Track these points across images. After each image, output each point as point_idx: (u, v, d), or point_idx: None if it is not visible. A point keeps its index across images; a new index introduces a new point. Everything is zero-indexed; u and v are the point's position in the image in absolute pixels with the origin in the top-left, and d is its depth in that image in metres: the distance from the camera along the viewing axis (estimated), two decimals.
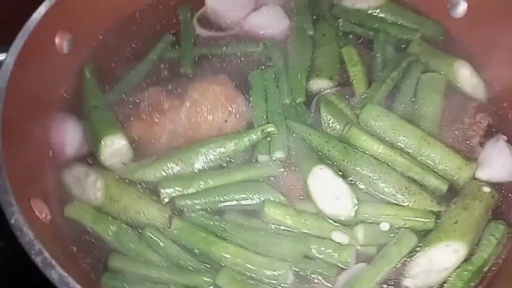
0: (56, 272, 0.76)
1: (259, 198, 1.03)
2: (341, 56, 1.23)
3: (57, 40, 1.10)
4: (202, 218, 1.01)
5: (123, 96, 1.15)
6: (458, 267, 0.95)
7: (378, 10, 1.30)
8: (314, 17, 1.30)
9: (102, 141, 1.04)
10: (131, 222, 1.01)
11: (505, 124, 1.15)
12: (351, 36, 1.28)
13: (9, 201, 0.82)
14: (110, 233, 0.99)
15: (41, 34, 1.03)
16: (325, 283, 0.95)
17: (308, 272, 0.96)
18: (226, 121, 1.13)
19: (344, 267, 0.97)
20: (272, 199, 1.03)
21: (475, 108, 1.14)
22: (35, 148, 1.02)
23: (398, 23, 1.29)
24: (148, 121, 1.10)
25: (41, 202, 0.95)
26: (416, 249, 0.98)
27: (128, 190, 1.03)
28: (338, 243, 0.97)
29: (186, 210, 1.02)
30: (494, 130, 1.13)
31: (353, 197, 1.00)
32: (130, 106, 1.13)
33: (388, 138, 1.08)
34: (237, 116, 1.14)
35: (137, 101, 1.13)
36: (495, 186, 1.06)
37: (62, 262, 0.78)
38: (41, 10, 1.04)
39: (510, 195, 1.07)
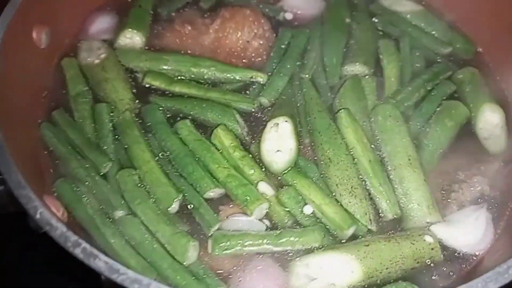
0: (101, 261, 0.69)
1: (219, 119, 1.05)
2: (375, 48, 1.20)
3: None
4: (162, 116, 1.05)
5: (165, 13, 1.24)
6: None
7: (414, 16, 1.27)
8: (350, 8, 1.29)
9: (124, 31, 1.15)
10: (102, 95, 1.07)
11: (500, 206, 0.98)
12: (381, 34, 1.25)
13: (28, 196, 0.75)
14: (74, 91, 1.07)
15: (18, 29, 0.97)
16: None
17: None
18: (248, 41, 1.17)
19: (246, 214, 0.93)
20: (229, 125, 1.03)
21: (478, 168, 0.98)
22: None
23: (431, 33, 1.25)
24: (180, 31, 1.19)
25: (55, 199, 0.91)
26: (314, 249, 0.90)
27: (119, 69, 1.11)
28: (260, 192, 0.94)
29: (153, 102, 1.07)
30: (482, 201, 0.98)
31: (293, 158, 0.98)
32: (167, 20, 1.23)
33: (379, 141, 1.03)
34: (261, 41, 1.18)
35: (172, 14, 1.24)
36: (445, 248, 0.92)
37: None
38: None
39: (454, 264, 0.92)
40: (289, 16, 1.26)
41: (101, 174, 0.96)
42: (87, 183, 0.93)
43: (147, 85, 1.10)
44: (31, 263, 1.13)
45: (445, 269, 0.90)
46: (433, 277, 0.89)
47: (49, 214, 0.73)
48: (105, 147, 0.99)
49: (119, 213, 0.91)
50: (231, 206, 0.95)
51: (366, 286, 0.87)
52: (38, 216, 0.73)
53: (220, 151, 1.00)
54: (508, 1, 1.13)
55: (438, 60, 1.20)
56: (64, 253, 0.70)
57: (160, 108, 1.06)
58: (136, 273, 0.66)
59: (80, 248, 0.69)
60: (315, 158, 1.02)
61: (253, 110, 1.08)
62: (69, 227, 0.72)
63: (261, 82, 1.11)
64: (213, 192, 0.95)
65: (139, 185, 0.94)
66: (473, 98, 1.11)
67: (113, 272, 0.66)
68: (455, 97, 1.13)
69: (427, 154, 1.02)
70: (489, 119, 1.07)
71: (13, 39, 0.93)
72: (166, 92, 1.10)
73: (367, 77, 1.13)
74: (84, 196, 0.92)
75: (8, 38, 0.91)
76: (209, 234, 0.91)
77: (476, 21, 1.22)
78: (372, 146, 1.01)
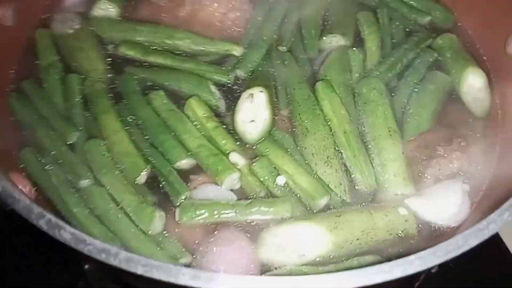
0: (66, 232, 0.64)
1: (193, 90, 1.03)
2: (354, 20, 1.17)
3: None
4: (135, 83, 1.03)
5: None
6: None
7: None
8: None
9: (99, 2, 1.14)
10: (75, 65, 1.05)
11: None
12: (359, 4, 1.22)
13: None
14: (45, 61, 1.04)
15: None
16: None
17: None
18: (225, 13, 1.14)
19: (216, 183, 0.91)
20: (203, 96, 1.01)
21: (458, 143, 0.95)
22: None
23: (409, 3, 1.21)
24: (155, 3, 1.17)
25: (22, 177, 0.89)
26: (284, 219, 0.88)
27: (93, 40, 1.09)
28: (232, 162, 0.92)
29: (128, 72, 1.05)
30: (459, 175, 0.95)
31: (267, 129, 0.96)
32: None
33: (361, 112, 1.01)
34: (238, 13, 1.15)
35: None
36: (420, 221, 0.89)
37: None
38: None
39: (428, 236, 0.89)
40: None
41: (68, 144, 0.94)
42: (53, 152, 0.91)
43: (121, 55, 1.07)
44: (31, 263, 1.11)
45: (419, 241, 0.88)
46: (406, 249, 0.86)
47: (11, 187, 0.69)
48: (74, 118, 0.97)
49: (85, 182, 0.89)
50: (201, 176, 0.93)
51: (336, 257, 0.84)
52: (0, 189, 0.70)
53: (193, 121, 0.97)
54: None
55: (418, 30, 1.17)
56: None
57: (134, 78, 1.04)
58: (103, 243, 0.62)
59: (44, 220, 0.65)
60: (292, 130, 1.00)
61: (228, 81, 1.05)
62: (34, 201, 0.68)
63: (237, 55, 1.08)
64: (185, 162, 0.93)
65: (106, 155, 0.92)
66: (455, 63, 1.09)
67: (79, 242, 0.63)
68: (437, 65, 1.10)
69: (410, 124, 1.00)
70: (472, 83, 1.06)
71: None
72: (141, 63, 1.07)
73: (354, 49, 1.10)
74: (49, 166, 0.90)
75: None
76: (177, 204, 0.88)
77: None
78: (351, 118, 0.98)
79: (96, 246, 0.59)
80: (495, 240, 1.11)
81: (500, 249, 1.12)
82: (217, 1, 1.13)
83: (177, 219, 0.87)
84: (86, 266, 1.04)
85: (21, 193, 0.66)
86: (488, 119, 1.05)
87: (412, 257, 0.60)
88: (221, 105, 1.03)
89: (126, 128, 0.96)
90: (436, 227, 0.90)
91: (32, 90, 1.00)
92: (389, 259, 0.66)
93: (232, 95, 1.05)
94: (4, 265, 1.09)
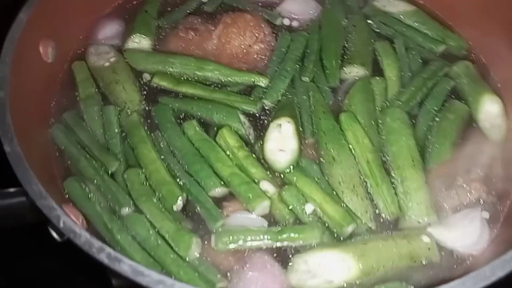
0: (126, 264, 0.69)
1: (224, 120, 1.08)
2: (373, 49, 1.22)
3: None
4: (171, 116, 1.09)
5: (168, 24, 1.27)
6: None
7: (407, 16, 1.29)
8: (345, 11, 1.31)
9: (132, 35, 1.20)
10: (112, 96, 1.11)
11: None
12: (377, 35, 1.28)
13: (51, 206, 0.76)
14: (84, 93, 1.11)
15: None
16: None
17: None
18: (250, 46, 1.21)
19: (248, 210, 0.96)
20: (233, 126, 1.07)
21: (477, 173, 1.00)
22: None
23: (424, 32, 1.27)
24: (184, 38, 1.23)
25: (74, 208, 0.94)
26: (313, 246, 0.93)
27: (128, 72, 1.15)
28: (262, 191, 0.97)
29: (162, 103, 1.11)
30: (478, 204, 0.99)
31: (295, 158, 1.01)
32: (170, 26, 1.26)
33: (385, 141, 1.06)
34: (262, 45, 1.21)
35: (174, 22, 1.27)
36: (442, 249, 0.94)
37: None
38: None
39: (450, 264, 0.93)
40: (286, 21, 1.28)
41: (110, 173, 0.99)
42: (95, 181, 0.97)
43: (155, 86, 1.14)
44: (51, 274, 1.18)
45: (441, 268, 0.92)
46: (430, 276, 0.91)
47: (71, 222, 0.74)
48: (113, 147, 1.03)
49: (126, 210, 0.94)
50: (233, 203, 0.98)
51: (363, 283, 0.89)
52: (61, 225, 0.74)
53: (225, 150, 1.03)
54: None
55: (433, 59, 1.21)
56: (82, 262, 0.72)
57: (169, 108, 1.10)
58: (159, 274, 0.67)
59: (104, 253, 0.70)
60: (318, 158, 1.04)
61: (256, 111, 1.10)
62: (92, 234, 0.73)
63: (263, 85, 1.14)
64: (218, 191, 0.99)
65: (145, 183, 0.97)
66: (472, 90, 1.14)
67: (137, 274, 0.68)
68: (454, 93, 1.15)
69: (432, 154, 1.04)
70: (489, 109, 1.10)
71: (21, 57, 0.96)
72: (174, 93, 1.13)
73: (377, 78, 1.15)
74: (92, 194, 0.96)
75: (16, 56, 0.94)
76: (214, 230, 0.94)
77: (466, 18, 1.24)
78: (374, 147, 1.02)
79: (153, 278, 0.65)
80: None
81: None
82: (243, 35, 1.19)
83: (213, 245, 0.92)
84: (114, 281, 1.10)
85: (81, 228, 0.71)
86: (505, 146, 1.09)
87: (443, 286, 0.65)
88: (250, 134, 1.08)
89: (162, 157, 1.02)
90: (458, 255, 0.94)
91: (73, 121, 1.06)
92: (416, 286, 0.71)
93: (259, 124, 1.10)
94: (33, 277, 1.15)
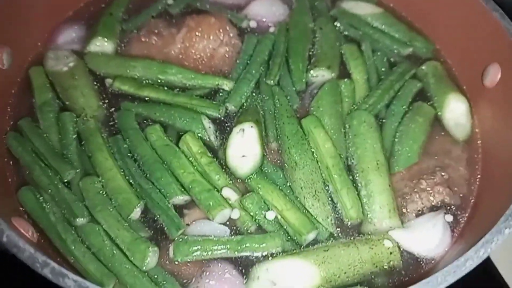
0: (70, 279, 0.68)
1: (187, 125, 1.06)
2: (339, 52, 1.21)
3: None
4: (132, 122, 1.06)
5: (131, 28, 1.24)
6: None
7: (374, 18, 1.28)
8: (313, 14, 1.30)
9: (95, 38, 1.17)
10: (70, 102, 1.08)
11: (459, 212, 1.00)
12: (344, 37, 1.27)
13: None
14: (40, 100, 1.07)
15: None
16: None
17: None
18: (215, 49, 1.18)
19: (209, 218, 0.94)
20: (197, 132, 1.05)
21: (441, 176, 1.00)
22: None
23: (391, 34, 1.26)
24: (147, 42, 1.20)
25: (24, 221, 0.91)
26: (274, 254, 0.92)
27: (87, 77, 1.13)
28: (224, 198, 0.96)
29: (124, 108, 1.08)
30: (440, 207, 0.99)
31: (258, 164, 0.99)
32: (133, 31, 1.23)
33: (350, 144, 1.05)
34: (227, 48, 1.19)
35: (136, 25, 1.24)
36: (404, 253, 0.93)
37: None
38: None
39: (412, 268, 0.93)
40: (253, 24, 1.26)
41: (65, 182, 0.97)
42: (50, 190, 0.94)
43: (116, 91, 1.11)
44: None
45: (403, 272, 0.91)
46: (391, 280, 0.90)
47: (16, 236, 0.72)
48: (70, 155, 1.00)
49: (80, 220, 0.91)
50: (194, 211, 0.96)
51: None
52: (4, 239, 0.72)
53: (188, 157, 1.01)
54: None
55: (400, 61, 1.21)
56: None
57: (131, 113, 1.07)
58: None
59: (48, 268, 0.68)
60: (281, 163, 1.03)
61: (219, 115, 1.08)
62: (38, 247, 0.71)
63: (227, 89, 1.12)
64: (179, 199, 0.96)
65: (101, 192, 0.95)
66: (438, 89, 1.14)
67: None
68: (420, 95, 1.15)
69: (399, 157, 1.04)
70: (454, 107, 1.11)
71: None
72: (137, 98, 1.10)
73: (345, 80, 1.14)
74: (47, 203, 0.93)
75: None
76: (175, 238, 0.91)
77: (432, 19, 1.24)
78: (338, 152, 1.01)
79: None
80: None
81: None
82: (207, 38, 1.17)
83: (171, 256, 0.90)
84: None
85: (25, 242, 0.69)
86: (469, 146, 1.10)
87: None
88: (215, 139, 1.06)
89: (120, 163, 0.99)
90: (420, 259, 0.93)
91: (29, 128, 1.03)
92: None
93: (224, 129, 1.08)
94: None
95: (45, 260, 0.67)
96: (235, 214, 0.95)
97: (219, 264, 0.90)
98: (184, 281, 0.89)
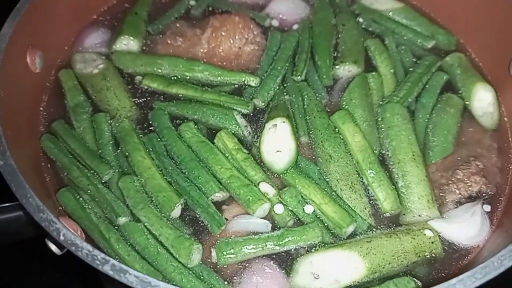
0: (131, 275, 0.67)
1: (220, 122, 1.07)
2: (363, 47, 1.22)
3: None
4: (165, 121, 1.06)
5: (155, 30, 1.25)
6: None
7: (395, 13, 1.30)
8: (333, 10, 1.31)
9: (121, 37, 1.17)
10: (102, 104, 1.08)
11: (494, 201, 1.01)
12: (367, 32, 1.28)
13: (49, 219, 0.74)
14: (73, 102, 1.08)
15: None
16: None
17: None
18: (240, 48, 1.19)
19: (249, 212, 0.94)
20: (231, 128, 1.06)
21: (476, 166, 1.00)
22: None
23: (413, 28, 1.28)
24: (172, 45, 1.21)
25: (71, 220, 0.91)
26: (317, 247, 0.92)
27: (118, 78, 1.13)
28: (262, 192, 0.96)
29: (157, 108, 1.09)
30: (477, 197, 1.00)
31: (293, 158, 0.99)
32: (158, 33, 1.24)
33: (384, 136, 1.06)
34: (253, 46, 1.20)
35: (160, 27, 1.25)
36: (444, 242, 0.94)
37: None
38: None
39: (454, 256, 0.93)
40: (275, 22, 1.27)
41: (103, 182, 0.97)
42: (89, 191, 0.94)
43: (147, 91, 1.11)
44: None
45: (445, 261, 0.92)
46: (434, 269, 0.91)
47: (72, 235, 0.72)
48: (106, 156, 1.00)
49: (123, 219, 0.92)
50: (233, 207, 0.97)
51: (370, 281, 0.88)
52: (61, 238, 0.72)
53: (223, 153, 1.01)
54: None
55: (424, 54, 1.22)
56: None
57: (164, 112, 1.07)
58: (167, 284, 0.66)
59: (109, 265, 0.68)
60: (313, 157, 1.04)
61: (248, 112, 1.09)
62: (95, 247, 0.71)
63: (253, 85, 1.12)
64: (217, 195, 0.97)
65: (140, 191, 0.95)
66: (465, 80, 1.15)
67: (145, 285, 0.66)
68: (447, 86, 1.16)
69: (435, 148, 1.04)
70: (482, 97, 1.12)
71: (8, 68, 0.93)
72: (167, 96, 1.11)
73: (373, 73, 1.15)
74: (87, 204, 0.93)
75: (4, 68, 0.91)
76: (217, 234, 0.92)
77: (453, 13, 1.25)
78: (368, 145, 1.01)
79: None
80: None
81: None
82: (232, 37, 1.18)
83: (214, 260, 0.90)
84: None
85: (83, 241, 0.69)
86: (499, 135, 1.10)
87: (453, 280, 0.64)
88: (249, 135, 1.06)
89: (158, 162, 0.99)
90: (460, 248, 0.94)
91: (63, 130, 1.03)
92: (426, 282, 0.69)
93: (255, 125, 1.08)
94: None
95: (104, 257, 0.67)
96: (279, 208, 0.95)
97: (263, 260, 0.90)
98: (228, 277, 0.89)
